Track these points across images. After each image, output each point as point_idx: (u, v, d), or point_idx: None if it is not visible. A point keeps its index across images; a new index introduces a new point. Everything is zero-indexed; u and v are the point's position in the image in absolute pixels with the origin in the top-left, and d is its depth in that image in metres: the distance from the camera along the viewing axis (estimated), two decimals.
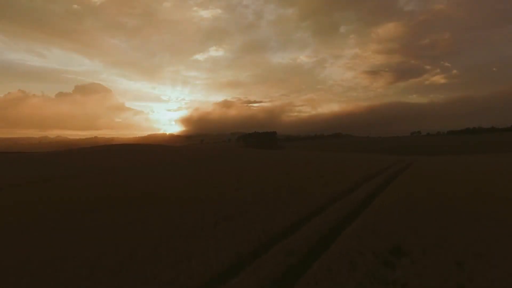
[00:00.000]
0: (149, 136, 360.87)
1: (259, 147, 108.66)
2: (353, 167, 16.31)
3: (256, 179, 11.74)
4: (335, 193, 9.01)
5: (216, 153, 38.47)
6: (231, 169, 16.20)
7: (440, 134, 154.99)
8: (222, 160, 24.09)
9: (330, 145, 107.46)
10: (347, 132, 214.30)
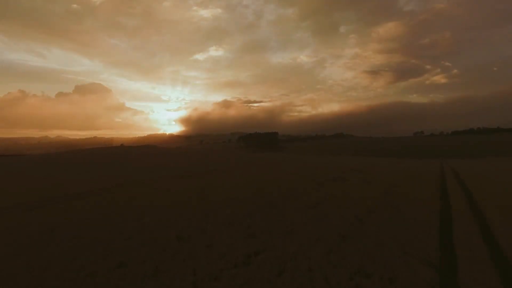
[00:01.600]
0: (149, 136, 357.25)
1: (260, 148, 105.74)
2: (399, 188, 13.19)
3: (273, 220, 8.59)
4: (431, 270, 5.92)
5: (216, 159, 35.56)
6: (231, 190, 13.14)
7: (443, 134, 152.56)
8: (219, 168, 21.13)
9: (333, 146, 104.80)
10: (348, 132, 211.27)
